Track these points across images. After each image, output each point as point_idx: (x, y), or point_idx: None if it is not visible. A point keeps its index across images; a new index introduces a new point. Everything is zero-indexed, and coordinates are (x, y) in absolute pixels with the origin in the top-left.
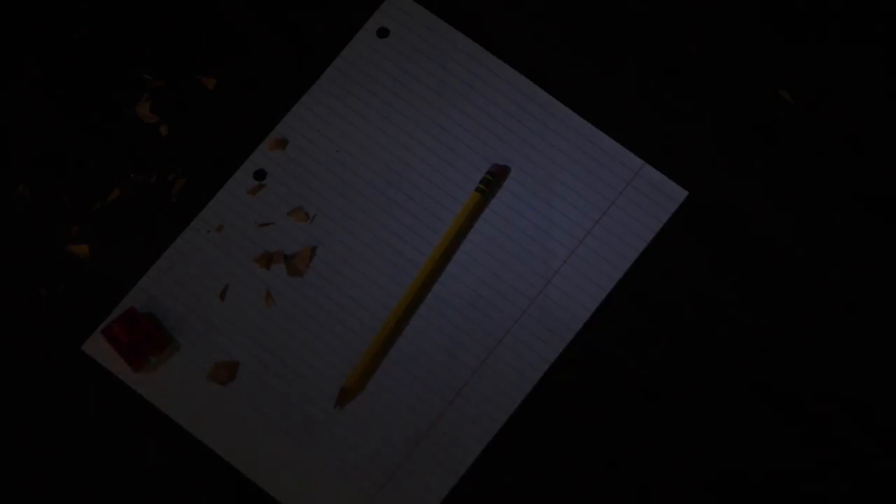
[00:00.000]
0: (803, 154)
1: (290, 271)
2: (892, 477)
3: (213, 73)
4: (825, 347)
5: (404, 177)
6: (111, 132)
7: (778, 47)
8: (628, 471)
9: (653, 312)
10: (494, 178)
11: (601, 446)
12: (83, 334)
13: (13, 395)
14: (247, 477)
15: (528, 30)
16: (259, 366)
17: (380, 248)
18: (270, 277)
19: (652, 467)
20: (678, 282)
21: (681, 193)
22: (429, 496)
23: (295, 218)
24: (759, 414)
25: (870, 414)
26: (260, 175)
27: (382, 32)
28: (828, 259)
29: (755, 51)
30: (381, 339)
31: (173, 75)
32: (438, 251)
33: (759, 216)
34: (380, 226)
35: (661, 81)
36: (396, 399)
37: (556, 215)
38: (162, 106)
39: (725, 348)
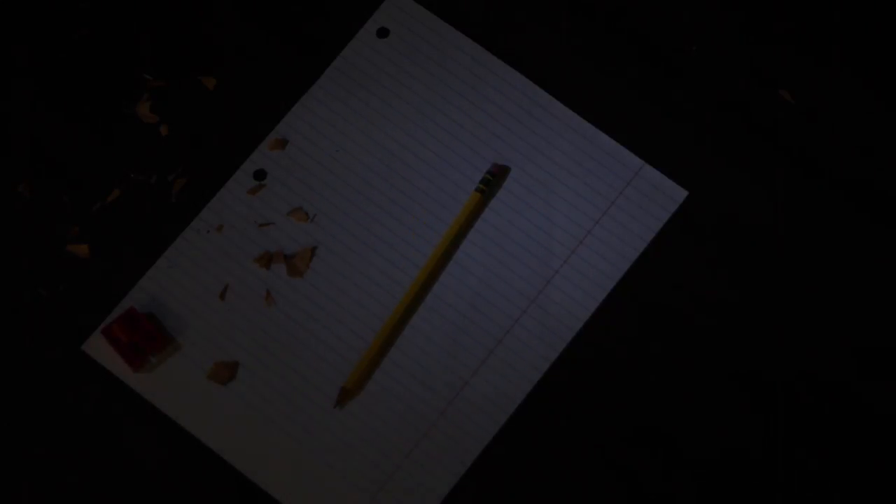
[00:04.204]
0: (803, 154)
1: (290, 271)
2: None
3: (213, 73)
4: (826, 347)
5: (404, 177)
6: (111, 132)
7: (778, 47)
8: (628, 470)
9: (652, 312)
10: (494, 178)
11: (601, 446)
12: (83, 334)
13: (13, 395)
14: (247, 477)
15: (528, 30)
16: (259, 366)
17: (380, 247)
18: (270, 277)
19: (652, 467)
20: (678, 282)
21: (681, 193)
22: (429, 496)
23: (295, 218)
24: (760, 413)
25: (870, 410)
26: (260, 175)
27: (382, 32)
28: (828, 259)
29: (756, 51)
30: (381, 339)
31: (173, 75)
32: (438, 251)
33: (759, 216)
34: (380, 226)
35: (661, 81)
36: (396, 399)
37: (556, 215)
38: (162, 106)
39: (725, 348)
